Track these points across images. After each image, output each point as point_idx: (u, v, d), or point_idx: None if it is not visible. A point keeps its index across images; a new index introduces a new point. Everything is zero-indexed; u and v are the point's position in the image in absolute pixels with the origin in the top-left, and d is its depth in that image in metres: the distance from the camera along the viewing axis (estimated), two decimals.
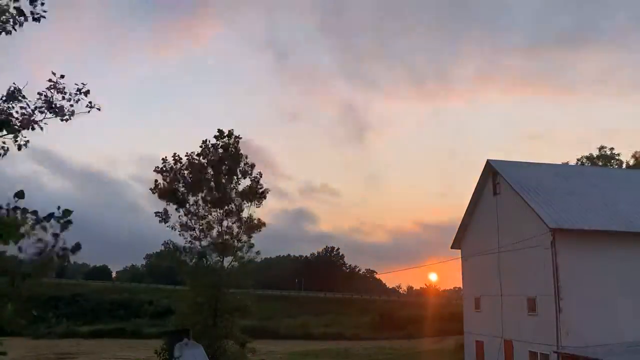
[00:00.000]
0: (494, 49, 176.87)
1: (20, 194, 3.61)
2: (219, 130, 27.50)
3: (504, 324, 27.96)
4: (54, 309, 68.40)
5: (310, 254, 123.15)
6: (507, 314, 27.86)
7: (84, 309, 79.00)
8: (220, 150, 27.30)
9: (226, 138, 27.47)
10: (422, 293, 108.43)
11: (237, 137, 27.64)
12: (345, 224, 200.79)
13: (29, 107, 6.89)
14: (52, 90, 6.91)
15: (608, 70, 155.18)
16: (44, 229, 3.60)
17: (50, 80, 6.92)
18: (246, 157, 27.76)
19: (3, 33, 6.22)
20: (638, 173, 37.50)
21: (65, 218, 3.63)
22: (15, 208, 3.57)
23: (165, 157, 27.23)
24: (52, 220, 3.60)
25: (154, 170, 27.22)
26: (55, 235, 3.63)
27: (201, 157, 27.32)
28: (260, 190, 27.56)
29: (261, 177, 27.90)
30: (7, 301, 4.02)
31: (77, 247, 3.78)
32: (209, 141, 27.33)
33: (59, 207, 3.61)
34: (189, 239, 27.12)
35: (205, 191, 27.30)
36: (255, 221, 27.49)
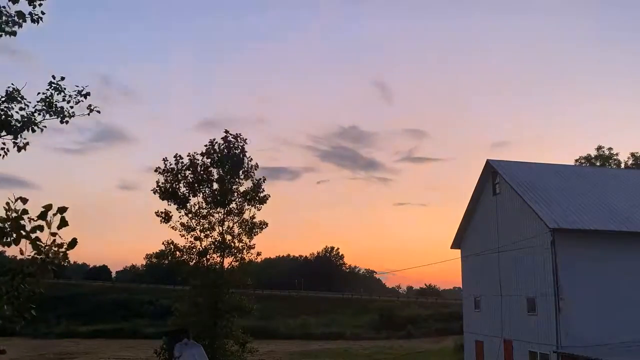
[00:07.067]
0: None
1: (23, 200, 3.60)
2: (226, 131, 27.56)
3: (504, 324, 27.97)
4: (53, 309, 68.37)
5: (310, 254, 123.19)
6: (507, 314, 27.87)
7: (84, 309, 78.93)
8: (225, 151, 27.29)
9: (232, 138, 27.48)
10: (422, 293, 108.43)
11: (243, 139, 27.68)
12: None
13: (29, 108, 6.89)
14: (51, 92, 6.91)
15: None
16: (41, 228, 3.59)
17: (50, 83, 6.92)
18: (250, 159, 27.76)
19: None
20: (637, 173, 37.52)
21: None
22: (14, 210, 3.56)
23: (166, 157, 27.21)
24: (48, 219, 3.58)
25: (155, 171, 27.18)
26: (53, 234, 3.63)
27: (205, 157, 27.31)
28: (261, 195, 27.55)
29: (264, 181, 27.87)
30: (6, 301, 4.03)
31: (73, 243, 3.78)
32: (215, 141, 27.34)
33: (51, 205, 3.60)
34: (190, 239, 27.09)
35: (207, 191, 27.27)
36: (257, 222, 27.48)
